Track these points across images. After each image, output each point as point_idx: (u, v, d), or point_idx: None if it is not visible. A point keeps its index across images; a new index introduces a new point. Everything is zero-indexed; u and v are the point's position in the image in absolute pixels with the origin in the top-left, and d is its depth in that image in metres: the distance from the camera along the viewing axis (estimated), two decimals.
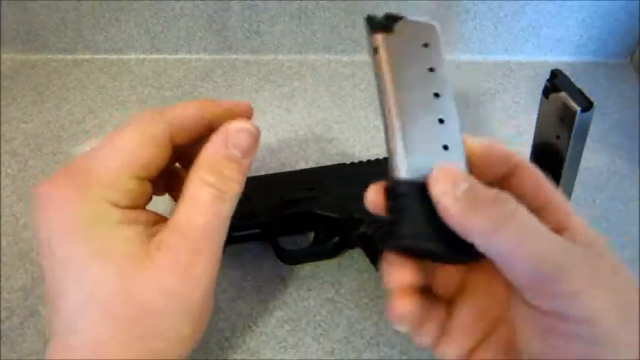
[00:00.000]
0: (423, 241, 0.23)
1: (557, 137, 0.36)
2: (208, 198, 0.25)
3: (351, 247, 0.40)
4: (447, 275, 0.26)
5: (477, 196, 0.21)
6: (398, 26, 0.24)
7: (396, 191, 0.23)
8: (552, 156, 0.37)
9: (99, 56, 0.57)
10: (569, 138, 0.34)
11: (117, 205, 0.25)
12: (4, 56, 0.56)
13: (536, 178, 0.23)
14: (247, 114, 0.31)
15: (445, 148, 0.23)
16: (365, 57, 0.58)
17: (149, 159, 0.26)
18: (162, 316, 0.24)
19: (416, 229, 0.23)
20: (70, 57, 0.56)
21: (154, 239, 0.25)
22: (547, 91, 0.35)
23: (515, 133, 0.50)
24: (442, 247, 0.22)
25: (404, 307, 0.23)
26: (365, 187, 0.25)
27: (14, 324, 0.35)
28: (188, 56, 0.57)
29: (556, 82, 0.34)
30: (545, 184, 0.23)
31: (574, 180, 0.38)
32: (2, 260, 0.39)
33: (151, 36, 0.56)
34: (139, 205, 0.26)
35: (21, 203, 0.43)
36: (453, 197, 0.21)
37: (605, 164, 0.48)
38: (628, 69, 0.59)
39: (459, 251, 0.22)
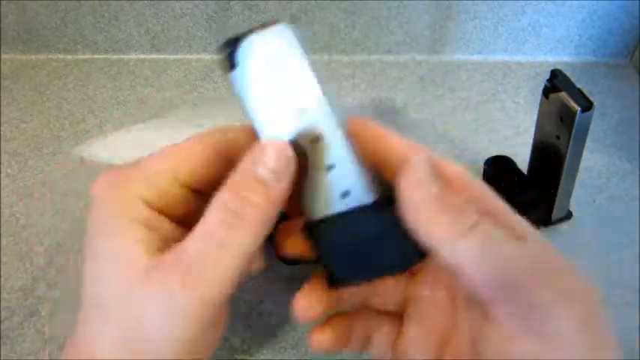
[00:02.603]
0: (363, 274, 0.23)
1: (557, 137, 0.36)
2: (214, 220, 0.21)
3: None
4: (388, 291, 0.26)
5: (446, 200, 0.20)
6: (244, 46, 0.22)
7: (312, 231, 0.23)
8: (552, 156, 0.37)
9: (99, 56, 0.57)
10: (569, 138, 0.34)
11: (149, 204, 0.23)
12: (4, 56, 0.56)
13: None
14: None
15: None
16: (365, 57, 0.58)
17: (196, 166, 0.23)
18: (151, 341, 0.22)
19: (349, 265, 0.23)
20: (70, 57, 0.56)
21: (161, 255, 0.22)
22: (547, 91, 0.35)
23: (515, 133, 0.50)
24: (384, 269, 0.23)
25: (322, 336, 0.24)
26: None
27: (14, 324, 0.35)
28: (188, 56, 0.57)
29: (556, 82, 0.35)
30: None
31: (574, 180, 0.38)
32: (2, 260, 0.39)
33: (151, 36, 0.56)
34: (175, 213, 0.24)
35: (21, 203, 0.43)
36: (427, 195, 0.20)
37: (605, 164, 0.48)
38: (628, 69, 0.59)
39: (403, 259, 0.22)
